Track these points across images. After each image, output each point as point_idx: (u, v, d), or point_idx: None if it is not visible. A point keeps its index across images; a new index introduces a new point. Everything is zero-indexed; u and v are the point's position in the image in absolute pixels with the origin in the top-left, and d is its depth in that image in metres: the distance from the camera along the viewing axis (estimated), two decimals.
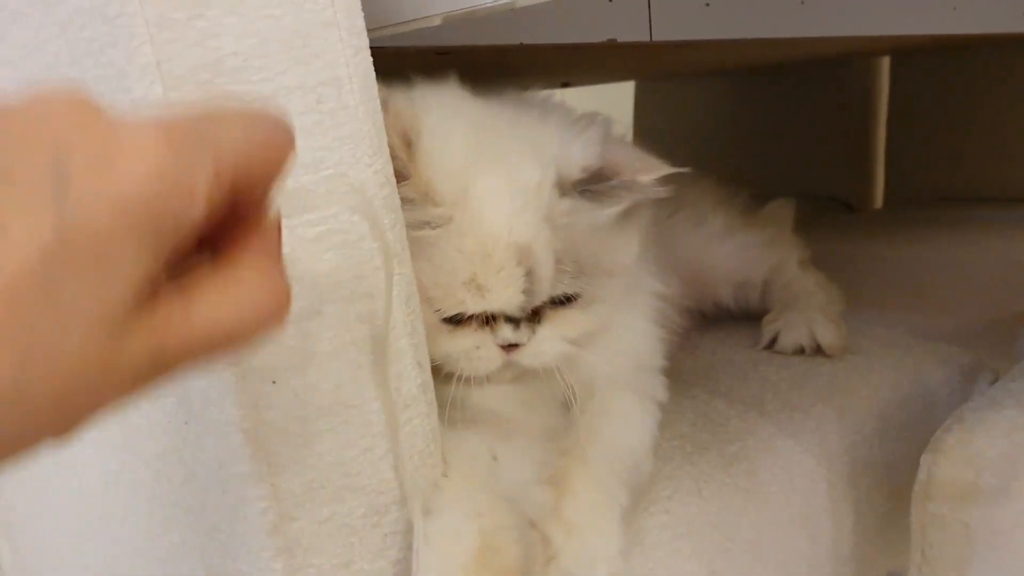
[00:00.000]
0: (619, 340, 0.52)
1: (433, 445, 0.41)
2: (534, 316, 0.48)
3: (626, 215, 0.50)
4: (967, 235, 1.03)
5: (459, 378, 0.47)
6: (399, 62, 0.70)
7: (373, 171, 0.37)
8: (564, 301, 0.48)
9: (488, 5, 0.48)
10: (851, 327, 0.70)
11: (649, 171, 0.48)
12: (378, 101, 0.38)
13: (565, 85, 1.92)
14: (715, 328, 0.75)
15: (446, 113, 0.48)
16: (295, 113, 0.35)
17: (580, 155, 0.48)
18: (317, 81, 0.35)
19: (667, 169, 0.48)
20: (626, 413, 0.52)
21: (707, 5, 0.74)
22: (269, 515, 0.36)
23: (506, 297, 0.46)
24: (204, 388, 0.36)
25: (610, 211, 0.48)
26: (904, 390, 0.64)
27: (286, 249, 0.35)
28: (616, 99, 1.76)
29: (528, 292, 0.46)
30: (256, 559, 0.37)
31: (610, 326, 0.51)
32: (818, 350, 0.69)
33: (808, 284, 0.76)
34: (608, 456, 0.49)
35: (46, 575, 0.59)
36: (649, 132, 1.69)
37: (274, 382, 0.36)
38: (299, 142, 0.35)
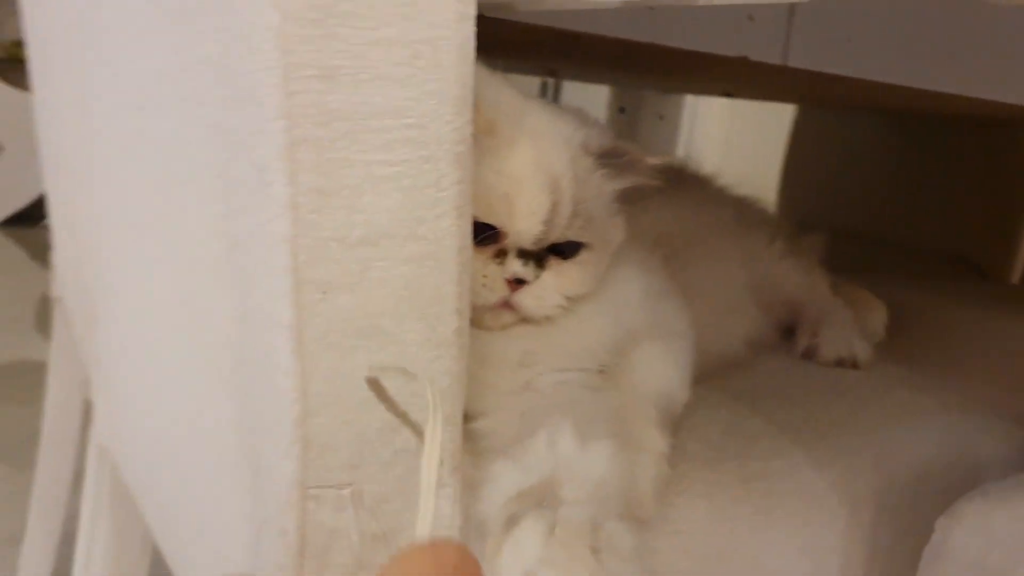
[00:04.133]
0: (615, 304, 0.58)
1: (457, 385, 0.45)
2: (540, 262, 0.54)
3: (617, 204, 0.58)
4: None
5: None
6: (524, 35, 0.73)
7: (452, 128, 0.41)
8: (567, 255, 0.55)
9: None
10: (916, 384, 0.70)
11: (654, 157, 0.57)
12: (472, 67, 0.41)
13: (728, 95, 1.92)
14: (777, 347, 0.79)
15: (494, 80, 0.55)
16: (390, 63, 0.39)
17: (597, 135, 0.56)
18: (416, 38, 0.39)
19: (668, 158, 0.57)
20: (648, 359, 0.58)
21: (849, 40, 0.74)
22: (296, 408, 0.41)
23: (530, 222, 0.52)
24: (263, 291, 0.41)
25: (617, 185, 0.57)
26: (950, 456, 0.64)
27: (359, 180, 0.40)
28: (778, 118, 1.75)
29: (548, 223, 0.52)
30: (279, 443, 0.42)
31: (605, 289, 0.58)
32: (854, 364, 0.77)
33: (840, 305, 0.85)
34: (641, 404, 0.55)
35: (124, 419, 0.66)
36: (800, 158, 1.67)
37: (324, 293, 0.40)
38: (390, 90, 0.39)
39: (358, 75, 0.39)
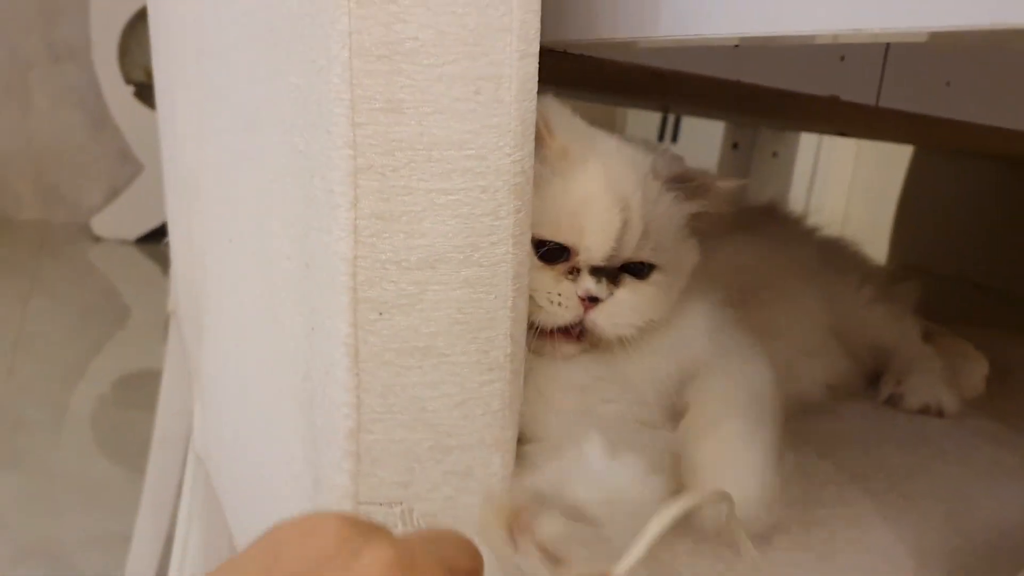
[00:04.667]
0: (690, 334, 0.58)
1: (508, 409, 0.46)
2: (613, 280, 0.54)
3: (690, 230, 0.58)
4: None
5: (535, 330, 0.53)
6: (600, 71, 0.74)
7: (511, 160, 0.43)
8: (640, 275, 0.55)
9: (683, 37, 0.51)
10: (1005, 441, 0.67)
11: (724, 181, 0.57)
12: (534, 102, 0.43)
13: (843, 134, 1.87)
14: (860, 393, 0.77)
15: (565, 112, 0.57)
16: (453, 98, 0.41)
17: (665, 160, 0.57)
18: (479, 75, 0.41)
19: (739, 182, 0.57)
20: (726, 374, 0.57)
21: (948, 84, 0.72)
22: (349, 421, 0.43)
23: (601, 238, 0.53)
24: (327, 307, 0.43)
25: (687, 209, 0.57)
26: None
27: (418, 207, 0.42)
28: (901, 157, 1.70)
29: (618, 241, 0.53)
30: (333, 455, 0.44)
31: (673, 321, 0.57)
32: (940, 412, 0.75)
33: (930, 353, 0.82)
34: (726, 410, 0.53)
35: (215, 430, 0.70)
36: (915, 200, 1.62)
37: (380, 314, 0.42)
38: (451, 123, 0.41)
39: (421, 108, 0.41)
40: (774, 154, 1.89)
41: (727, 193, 0.58)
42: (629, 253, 0.54)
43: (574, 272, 0.54)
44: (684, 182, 0.57)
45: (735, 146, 1.90)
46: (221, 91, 0.60)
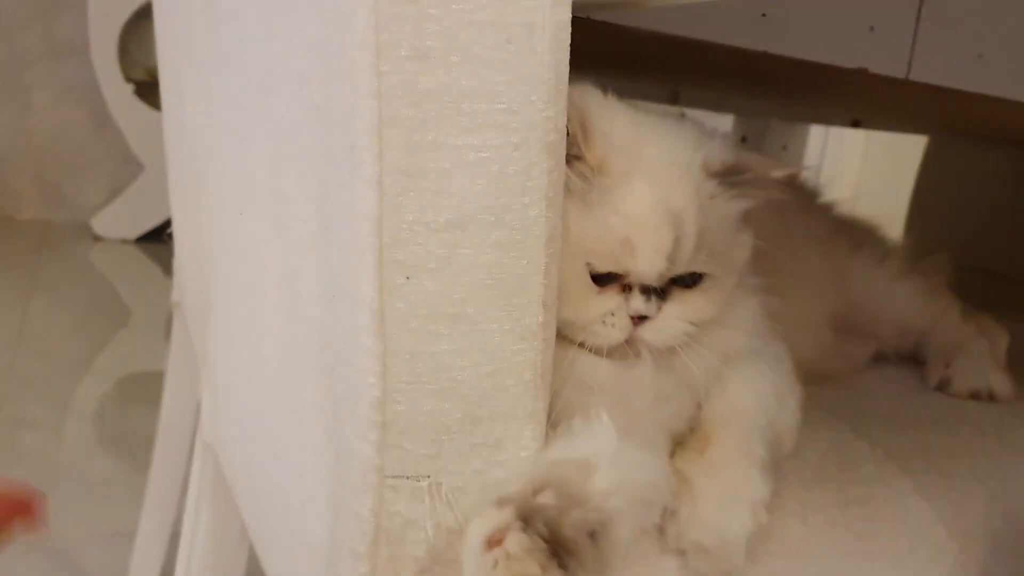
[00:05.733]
0: (732, 327, 0.55)
1: (540, 379, 0.44)
2: (662, 295, 0.51)
3: (745, 219, 0.55)
4: None
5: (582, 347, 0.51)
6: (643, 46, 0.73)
7: (544, 116, 0.41)
8: (690, 284, 0.52)
9: None
10: None
11: (778, 169, 0.53)
12: (567, 53, 0.41)
13: (856, 124, 1.86)
14: (883, 368, 0.74)
15: (607, 105, 0.53)
16: (483, 45, 0.39)
17: (719, 151, 0.53)
18: (511, 22, 0.39)
19: (794, 169, 0.53)
20: (747, 379, 0.54)
21: (980, 56, 0.70)
22: (376, 390, 0.41)
23: (653, 260, 0.50)
24: (350, 270, 0.41)
25: (741, 205, 0.53)
26: None
27: (447, 164, 0.40)
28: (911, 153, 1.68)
29: (672, 259, 0.50)
30: (358, 426, 0.42)
31: (723, 319, 0.54)
32: (991, 396, 0.73)
33: (972, 333, 0.80)
34: (736, 417, 0.52)
35: (226, 412, 0.68)
36: (930, 190, 1.60)
37: (408, 278, 0.40)
38: (481, 73, 0.39)
39: (449, 56, 0.39)
40: (784, 147, 1.87)
41: (782, 182, 0.54)
42: (682, 268, 0.51)
43: (625, 290, 0.51)
44: (738, 174, 0.53)
45: (744, 139, 1.89)
46: (233, 56, 0.58)
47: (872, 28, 0.68)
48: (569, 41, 0.41)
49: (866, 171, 2.93)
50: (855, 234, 0.83)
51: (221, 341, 0.70)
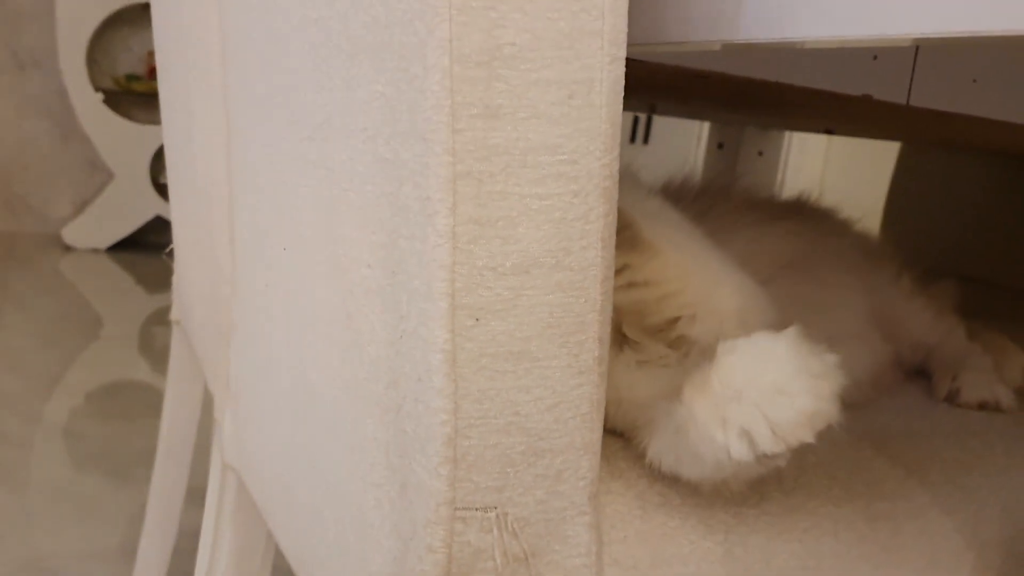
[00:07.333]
0: None
1: (596, 413, 0.46)
2: None
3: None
4: None
5: None
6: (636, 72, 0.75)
7: (601, 164, 0.43)
8: None
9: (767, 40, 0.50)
10: None
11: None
12: (620, 105, 0.43)
13: (829, 132, 1.90)
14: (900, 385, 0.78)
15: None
16: (546, 102, 0.41)
17: None
18: (572, 79, 0.41)
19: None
20: None
21: (974, 81, 0.73)
22: (447, 428, 0.43)
23: None
24: (421, 314, 0.43)
25: None
26: None
27: (514, 212, 0.42)
28: (880, 154, 1.73)
29: None
30: (428, 462, 0.44)
31: None
32: (998, 407, 0.77)
33: (978, 350, 0.84)
34: None
35: (257, 437, 0.69)
36: (904, 197, 1.65)
37: (476, 320, 0.42)
38: (546, 128, 0.41)
39: (517, 113, 0.41)
40: (760, 153, 1.91)
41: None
42: None
43: None
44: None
45: (720, 146, 1.92)
46: (268, 102, 0.60)
47: (875, 57, 0.71)
48: (622, 94, 0.43)
49: (828, 175, 2.99)
50: (872, 251, 0.87)
51: (250, 366, 0.72)
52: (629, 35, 0.44)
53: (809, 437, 0.45)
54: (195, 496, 1.08)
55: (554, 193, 0.42)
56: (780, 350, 0.46)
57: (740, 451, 0.45)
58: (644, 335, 0.56)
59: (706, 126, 1.95)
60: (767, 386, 0.45)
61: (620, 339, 0.56)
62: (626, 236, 0.51)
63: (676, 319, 0.55)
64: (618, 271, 0.49)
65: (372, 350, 0.48)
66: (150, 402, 2.03)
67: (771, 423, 0.45)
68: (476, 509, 0.44)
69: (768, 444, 0.45)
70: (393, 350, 0.46)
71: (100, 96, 3.10)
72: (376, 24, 0.44)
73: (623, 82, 0.43)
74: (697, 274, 0.55)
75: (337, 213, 0.50)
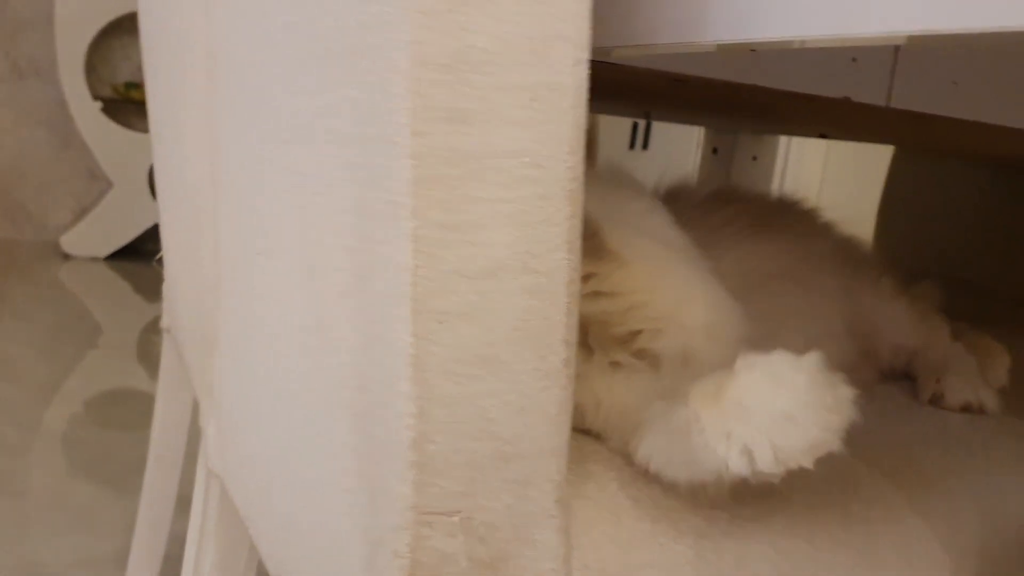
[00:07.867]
0: None
1: (563, 416, 0.46)
2: None
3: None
4: None
5: None
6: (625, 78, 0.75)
7: (566, 167, 0.43)
8: None
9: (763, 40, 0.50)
10: None
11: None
12: (584, 109, 0.43)
13: (823, 136, 1.90)
14: (879, 386, 0.78)
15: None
16: (511, 106, 0.41)
17: None
18: (536, 82, 0.41)
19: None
20: None
21: (954, 83, 0.73)
22: (413, 432, 0.43)
23: None
24: (387, 319, 0.43)
25: None
26: None
27: (480, 216, 0.42)
28: (880, 159, 1.73)
29: None
30: (394, 465, 0.44)
31: None
32: (981, 409, 0.77)
33: (962, 351, 0.83)
34: None
35: (238, 446, 0.69)
36: (898, 203, 1.65)
37: (441, 323, 0.42)
38: (509, 132, 0.41)
39: (483, 117, 0.41)
40: (754, 158, 1.91)
41: None
42: None
43: None
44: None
45: (715, 151, 1.92)
46: (248, 107, 0.60)
47: (854, 59, 0.71)
48: (586, 97, 0.43)
49: (827, 180, 2.99)
50: (854, 253, 0.87)
51: (232, 373, 0.72)
52: (595, 38, 0.44)
53: (809, 464, 0.45)
54: (186, 504, 1.08)
55: (520, 196, 0.42)
56: (799, 379, 0.46)
57: (739, 466, 0.45)
58: (609, 344, 0.56)
59: (703, 131, 1.95)
60: (779, 411, 0.45)
61: (588, 344, 0.56)
62: (593, 244, 0.51)
63: (639, 332, 0.55)
64: (584, 279, 0.49)
65: (343, 355, 0.48)
66: (148, 411, 2.03)
67: (775, 447, 0.45)
68: (442, 514, 0.44)
69: (768, 465, 0.45)
70: (362, 355, 0.46)
71: (99, 105, 3.11)
72: (346, 27, 0.44)
73: (587, 85, 0.43)
74: (665, 287, 0.55)
75: (310, 218, 0.50)
